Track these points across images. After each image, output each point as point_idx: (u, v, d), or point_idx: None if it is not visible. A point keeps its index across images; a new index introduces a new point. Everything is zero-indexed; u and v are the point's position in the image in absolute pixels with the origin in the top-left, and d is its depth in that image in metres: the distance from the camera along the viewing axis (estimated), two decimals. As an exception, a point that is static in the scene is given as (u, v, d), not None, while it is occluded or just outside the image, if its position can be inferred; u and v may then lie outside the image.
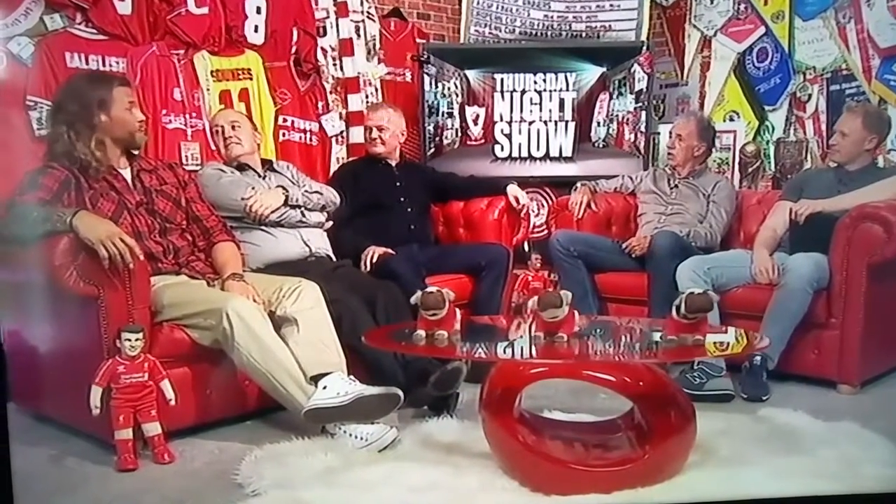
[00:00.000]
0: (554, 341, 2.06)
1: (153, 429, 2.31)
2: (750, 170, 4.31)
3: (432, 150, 4.42)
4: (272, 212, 3.01)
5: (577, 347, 2.09)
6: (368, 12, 4.39)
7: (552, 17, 4.63)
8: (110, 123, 2.60)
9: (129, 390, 2.28)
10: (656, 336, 2.15)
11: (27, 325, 2.44)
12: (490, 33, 4.67)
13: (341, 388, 2.38)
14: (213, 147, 3.80)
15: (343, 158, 4.29)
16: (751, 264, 3.10)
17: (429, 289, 2.11)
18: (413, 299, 2.13)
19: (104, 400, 2.26)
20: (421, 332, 2.14)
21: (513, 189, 3.62)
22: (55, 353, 2.46)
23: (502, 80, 4.43)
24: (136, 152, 2.74)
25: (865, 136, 3.15)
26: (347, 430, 2.39)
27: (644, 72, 4.32)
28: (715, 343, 2.31)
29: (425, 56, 4.39)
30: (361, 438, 2.36)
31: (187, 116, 3.74)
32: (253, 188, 3.04)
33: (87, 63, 3.43)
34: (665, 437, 2.00)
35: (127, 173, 2.69)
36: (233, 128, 3.18)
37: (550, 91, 4.42)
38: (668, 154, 3.78)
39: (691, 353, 2.09)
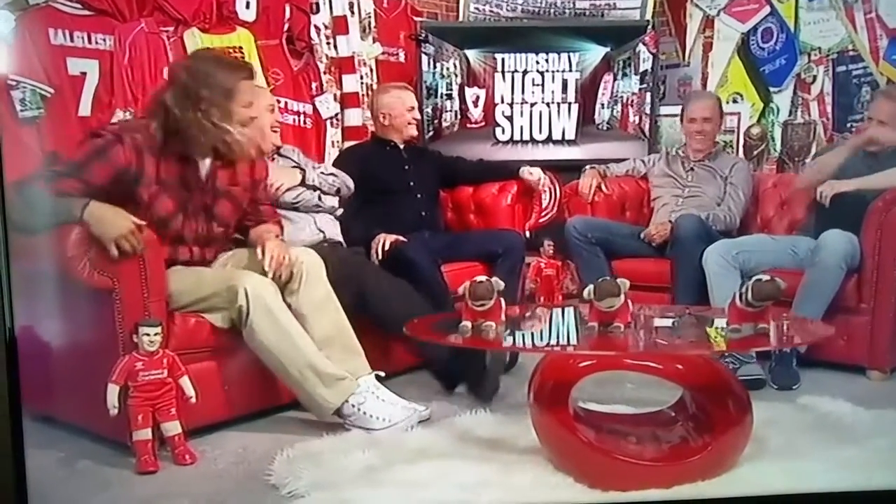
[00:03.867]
0: (610, 331, 1.97)
1: (173, 428, 2.19)
2: (755, 152, 4.26)
3: (431, 133, 4.30)
4: (287, 190, 2.88)
5: (634, 337, 2.00)
6: (363, -12, 4.24)
7: (555, -7, 4.53)
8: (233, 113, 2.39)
9: (147, 388, 2.15)
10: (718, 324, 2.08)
11: (34, 321, 2.27)
12: (491, 11, 4.54)
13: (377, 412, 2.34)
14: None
15: (338, 142, 4.16)
16: (779, 247, 3.05)
17: (477, 278, 2.00)
18: (461, 289, 2.01)
19: (121, 399, 2.12)
20: (467, 324, 2.03)
21: (526, 168, 3.52)
22: (65, 351, 2.30)
23: (503, 60, 4.32)
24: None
25: None
26: (367, 412, 2.33)
27: (649, 52, 4.24)
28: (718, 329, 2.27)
29: (423, 35, 4.25)
30: (382, 419, 2.31)
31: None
32: None
33: (71, 40, 3.27)
34: (726, 429, 1.93)
35: (204, 167, 2.45)
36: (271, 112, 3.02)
37: (553, 72, 4.32)
38: (697, 138, 3.67)
39: (757, 342, 2.01)
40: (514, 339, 2.15)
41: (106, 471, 2.16)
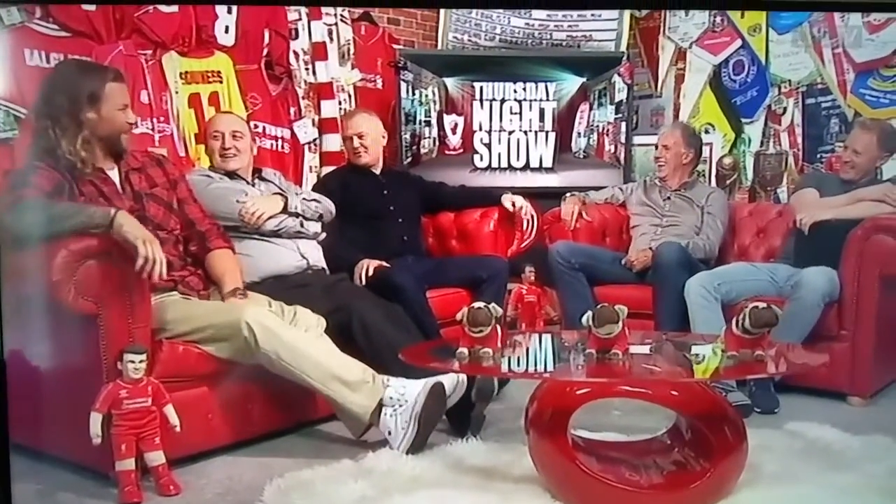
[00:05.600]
0: (609, 358, 1.96)
1: (157, 458, 2.12)
2: (727, 182, 4.34)
3: (409, 159, 4.30)
4: (269, 218, 2.84)
5: (631, 365, 2.00)
6: (342, 15, 4.24)
7: (533, 25, 4.57)
8: (98, 121, 2.34)
9: (131, 417, 2.08)
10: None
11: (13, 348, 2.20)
12: (469, 40, 4.59)
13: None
14: (184, 153, 3.63)
15: (316, 167, 4.13)
16: (759, 275, 3.09)
17: (476, 304, 1.99)
18: (458, 315, 2.00)
19: (104, 428, 2.05)
20: (464, 350, 2.01)
21: (508, 196, 3.53)
22: (43, 378, 2.22)
23: (482, 88, 4.36)
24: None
25: (879, 154, 3.18)
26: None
27: (624, 82, 4.32)
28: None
29: (402, 62, 4.26)
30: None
31: (155, 121, 3.52)
32: (246, 193, 2.87)
33: (48, 62, 3.18)
34: (724, 454, 1.92)
35: (115, 175, 2.45)
36: (234, 137, 2.96)
37: (531, 100, 4.37)
38: (658, 165, 3.76)
39: (754, 369, 2.03)
40: (511, 366, 2.13)
41: (88, 503, 2.09)
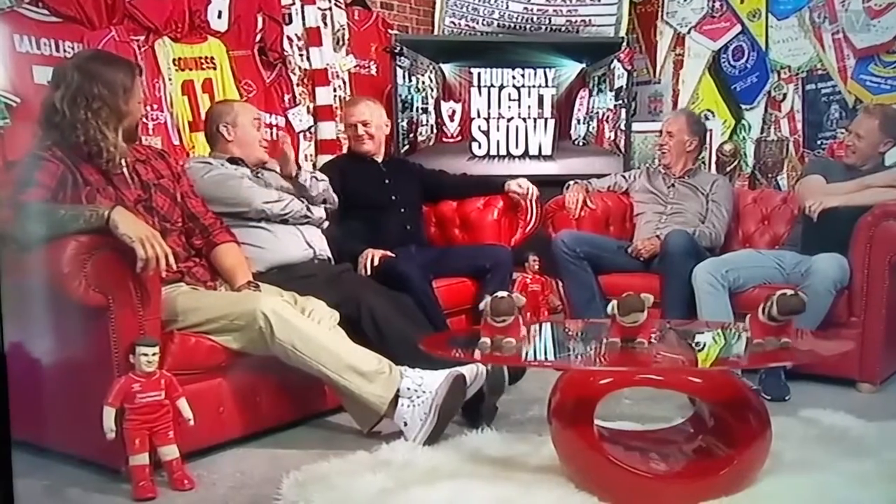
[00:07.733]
0: (634, 347, 1.94)
1: (170, 452, 2.08)
2: (728, 169, 4.32)
3: (406, 147, 4.24)
4: (282, 189, 2.86)
5: (656, 353, 1.98)
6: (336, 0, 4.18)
7: (531, 9, 4.52)
8: (128, 114, 2.33)
9: (144, 410, 2.03)
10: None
11: (20, 342, 2.13)
12: (467, 25, 4.53)
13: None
14: (178, 142, 3.56)
15: (311, 155, 4.08)
16: (766, 262, 3.08)
17: (498, 293, 1.95)
18: (481, 305, 1.96)
19: (116, 422, 2.01)
20: (486, 340, 1.97)
21: (514, 180, 3.50)
22: (51, 372, 2.17)
23: (479, 74, 4.30)
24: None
25: (882, 139, 3.17)
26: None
27: (624, 68, 4.28)
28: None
29: (397, 48, 4.20)
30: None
31: (148, 108, 3.44)
32: (249, 179, 2.83)
33: (38, 48, 3.12)
34: (749, 442, 1.91)
35: (123, 163, 2.40)
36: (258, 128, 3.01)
37: (529, 87, 4.32)
38: (661, 152, 3.74)
39: (781, 357, 2.01)
40: (534, 356, 2.11)
41: (98, 499, 2.05)
